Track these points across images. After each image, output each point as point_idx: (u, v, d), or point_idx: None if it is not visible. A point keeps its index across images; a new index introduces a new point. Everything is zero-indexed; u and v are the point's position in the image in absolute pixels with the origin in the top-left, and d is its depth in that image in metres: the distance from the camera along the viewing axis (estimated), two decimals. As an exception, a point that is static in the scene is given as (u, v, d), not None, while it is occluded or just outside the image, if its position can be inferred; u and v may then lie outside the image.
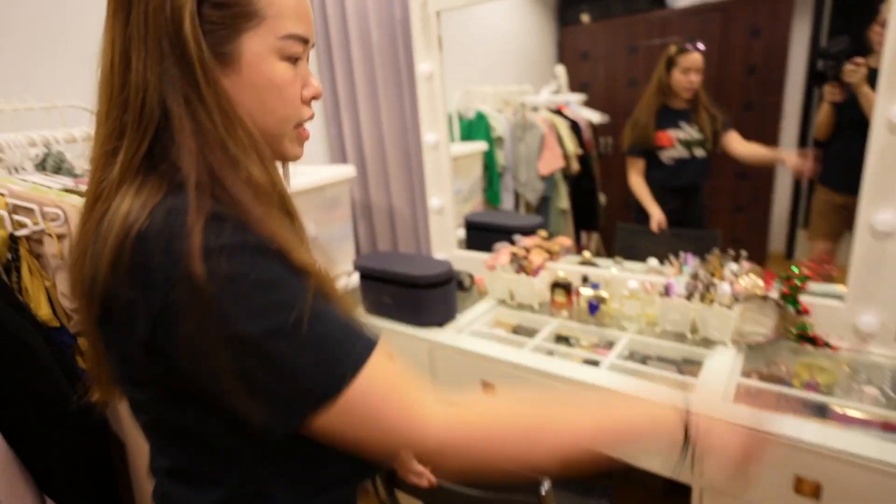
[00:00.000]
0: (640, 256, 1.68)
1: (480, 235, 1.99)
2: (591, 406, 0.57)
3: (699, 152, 1.85)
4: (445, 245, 1.96)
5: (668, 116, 1.85)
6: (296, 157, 0.58)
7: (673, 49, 1.82)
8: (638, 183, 1.96)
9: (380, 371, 0.49)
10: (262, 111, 0.52)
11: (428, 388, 0.52)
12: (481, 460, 0.52)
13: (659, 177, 1.92)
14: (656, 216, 1.89)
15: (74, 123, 1.36)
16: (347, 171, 1.89)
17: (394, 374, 0.51)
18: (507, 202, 2.40)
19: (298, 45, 0.53)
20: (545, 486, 0.79)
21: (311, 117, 0.57)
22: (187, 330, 0.45)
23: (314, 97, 0.57)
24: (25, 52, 1.38)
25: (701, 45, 1.81)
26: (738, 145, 1.85)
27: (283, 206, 0.55)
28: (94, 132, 0.52)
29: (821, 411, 1.08)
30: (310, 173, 1.79)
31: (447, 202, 1.90)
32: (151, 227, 0.45)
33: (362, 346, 0.50)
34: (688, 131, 1.84)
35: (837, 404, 1.09)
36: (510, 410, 0.55)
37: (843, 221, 1.53)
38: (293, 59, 0.53)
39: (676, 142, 1.85)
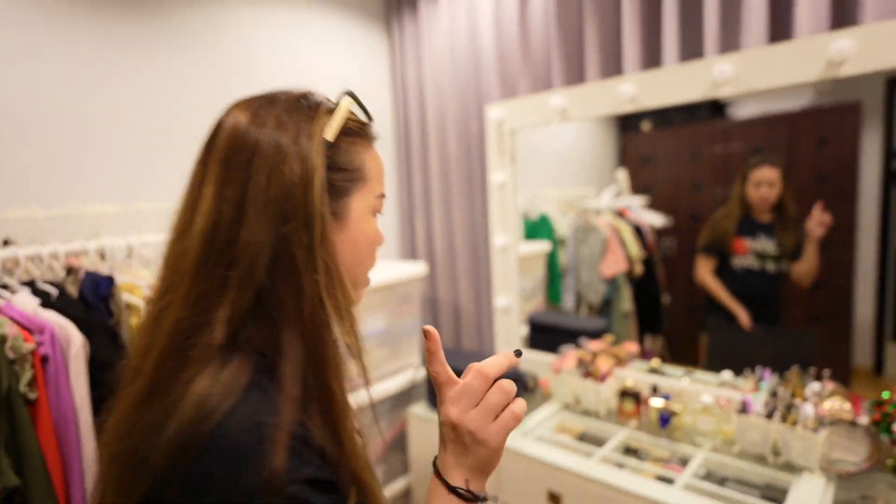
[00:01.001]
0: (734, 356, 1.64)
1: (544, 336, 2.02)
2: None
3: (770, 266, 1.84)
4: (510, 344, 1.99)
5: (749, 225, 1.87)
6: (359, 301, 0.58)
7: (748, 163, 1.87)
8: (711, 281, 1.94)
9: None
10: (355, 263, 0.55)
11: None
12: None
13: (725, 283, 1.92)
14: (741, 313, 1.86)
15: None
16: (419, 268, 2.02)
17: None
18: (568, 302, 2.42)
19: (381, 202, 0.57)
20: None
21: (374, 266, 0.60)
22: None
23: (381, 244, 0.59)
24: (146, 159, 1.62)
25: (777, 158, 1.85)
26: (803, 268, 1.83)
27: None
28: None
29: (931, 560, 0.98)
30: (385, 269, 1.92)
31: (513, 302, 1.96)
32: (230, 430, 0.41)
33: None
34: (763, 244, 1.84)
35: (950, 554, 0.99)
36: None
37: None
38: (377, 213, 0.57)
39: (749, 251, 1.86)
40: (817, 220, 1.76)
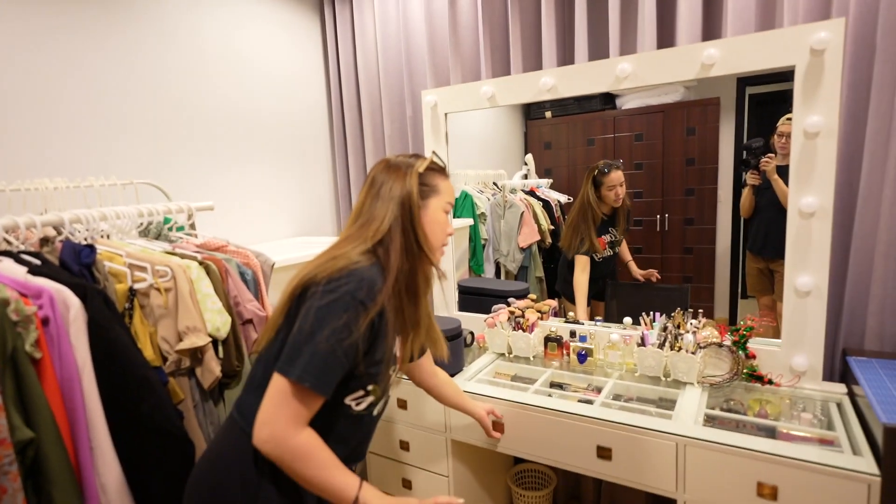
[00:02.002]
0: (628, 306, 2.00)
1: (473, 300, 2.27)
2: (342, 472, 0.94)
3: (616, 249, 2.26)
4: (447, 307, 2.21)
5: (602, 224, 2.26)
6: (439, 259, 1.10)
7: (596, 170, 2.23)
8: (583, 282, 2.28)
9: (300, 394, 0.88)
10: (433, 234, 1.06)
11: (305, 420, 0.90)
12: (290, 463, 0.88)
13: (591, 271, 2.29)
14: (581, 313, 2.21)
15: (146, 199, 1.58)
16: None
17: (304, 404, 0.89)
18: (489, 271, 2.69)
19: (449, 207, 1.11)
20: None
21: (447, 244, 1.13)
22: (310, 302, 0.91)
23: (450, 234, 1.12)
24: (105, 134, 1.60)
25: (620, 163, 2.23)
26: (621, 247, 2.29)
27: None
28: (346, 229, 1.05)
29: (771, 432, 1.37)
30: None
31: (449, 269, 2.17)
32: (363, 273, 0.94)
33: (315, 381, 0.88)
34: (613, 234, 2.24)
35: (783, 427, 1.38)
36: (322, 453, 0.91)
37: (768, 281, 1.92)
38: (446, 213, 1.10)
39: (607, 245, 2.25)
40: (645, 274, 2.22)
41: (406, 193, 1.01)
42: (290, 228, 2.31)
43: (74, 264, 1.08)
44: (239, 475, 0.92)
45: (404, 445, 1.83)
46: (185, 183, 1.84)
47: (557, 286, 2.45)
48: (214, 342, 1.26)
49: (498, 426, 1.54)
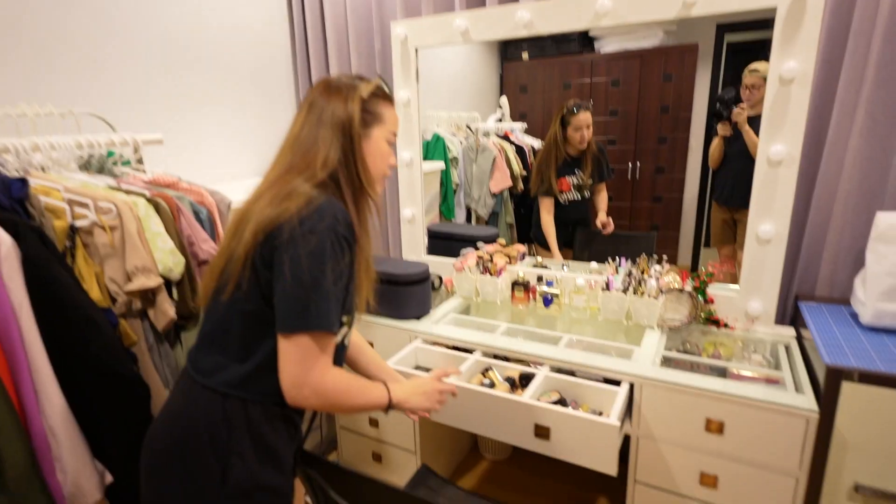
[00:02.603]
0: (596, 253, 2.01)
1: (443, 244, 2.24)
2: (371, 388, 1.01)
3: (586, 193, 2.23)
4: (416, 251, 2.19)
5: (565, 165, 2.22)
6: (379, 192, 1.05)
7: (565, 109, 2.17)
8: (548, 223, 2.29)
9: (321, 342, 0.87)
10: (374, 165, 1.00)
11: (330, 362, 0.91)
12: (333, 403, 0.92)
13: (558, 215, 2.28)
14: (556, 253, 2.25)
15: (88, 130, 1.47)
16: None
17: (326, 350, 0.89)
18: (460, 217, 2.66)
19: (393, 137, 1.04)
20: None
21: (389, 175, 1.06)
22: (294, 250, 0.84)
23: (392, 166, 1.06)
24: (41, 59, 1.46)
25: (590, 104, 2.18)
26: (600, 196, 2.26)
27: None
28: (275, 163, 0.96)
29: (722, 373, 1.42)
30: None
31: (418, 213, 2.13)
32: (326, 206, 0.88)
33: (330, 324, 0.87)
34: (579, 176, 2.21)
35: (734, 367, 1.44)
36: (352, 382, 0.95)
37: (731, 231, 1.95)
38: (390, 144, 1.03)
39: (572, 187, 2.22)
40: (603, 222, 2.21)
41: (346, 119, 0.94)
42: (249, 168, 2.21)
43: (4, 199, 0.99)
44: (207, 434, 0.88)
45: (373, 423, 1.88)
46: (133, 117, 1.71)
47: (532, 233, 2.44)
48: (168, 283, 1.21)
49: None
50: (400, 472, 1.87)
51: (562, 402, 1.37)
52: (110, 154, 1.32)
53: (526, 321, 1.80)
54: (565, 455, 1.28)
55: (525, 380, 1.45)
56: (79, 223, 1.07)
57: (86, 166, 1.25)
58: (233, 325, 0.90)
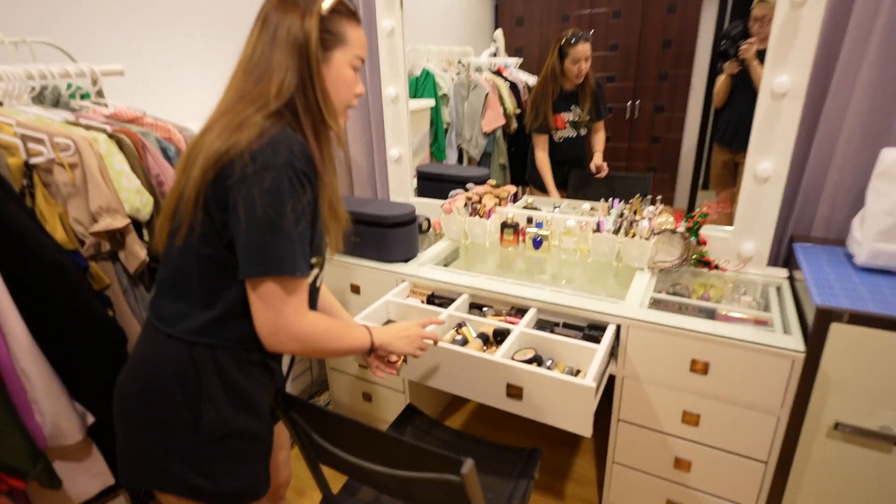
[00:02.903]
0: (590, 195, 1.95)
1: (432, 185, 2.18)
2: (352, 329, 0.97)
3: (582, 131, 2.12)
4: (403, 192, 2.12)
5: (560, 100, 2.09)
6: (341, 125, 0.94)
7: (563, 40, 2.03)
8: (543, 161, 2.20)
9: (291, 286, 0.82)
10: (336, 93, 0.89)
11: (304, 305, 0.86)
12: (314, 348, 0.88)
13: (552, 153, 2.19)
14: (553, 191, 2.18)
15: (42, 59, 1.36)
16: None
17: (297, 293, 0.84)
18: (451, 157, 2.57)
19: (359, 62, 0.92)
20: (467, 466, 0.78)
21: (355, 105, 0.96)
22: (247, 189, 0.77)
23: (359, 94, 0.95)
24: None
25: (589, 35, 2.04)
26: (596, 136, 2.15)
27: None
28: (228, 89, 0.87)
29: (711, 314, 1.41)
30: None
31: (405, 152, 2.05)
32: (279, 137, 0.80)
33: (297, 268, 0.81)
34: (576, 113, 2.10)
35: (723, 309, 1.42)
36: (330, 325, 0.91)
37: (731, 174, 1.89)
38: (355, 69, 0.91)
39: (567, 123, 2.12)
40: (598, 166, 2.12)
41: (303, 39, 0.82)
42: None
43: (-50, 132, 0.93)
44: (176, 382, 0.85)
45: (363, 364, 1.86)
46: (92, 46, 1.59)
47: (527, 175, 2.36)
48: (137, 224, 1.16)
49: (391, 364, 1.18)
50: (390, 411, 1.90)
51: (537, 359, 1.30)
52: (68, 86, 1.23)
53: (514, 263, 1.77)
54: (539, 415, 1.20)
55: (499, 336, 1.37)
56: (34, 160, 1.00)
57: (39, 99, 1.17)
58: (192, 271, 0.85)
